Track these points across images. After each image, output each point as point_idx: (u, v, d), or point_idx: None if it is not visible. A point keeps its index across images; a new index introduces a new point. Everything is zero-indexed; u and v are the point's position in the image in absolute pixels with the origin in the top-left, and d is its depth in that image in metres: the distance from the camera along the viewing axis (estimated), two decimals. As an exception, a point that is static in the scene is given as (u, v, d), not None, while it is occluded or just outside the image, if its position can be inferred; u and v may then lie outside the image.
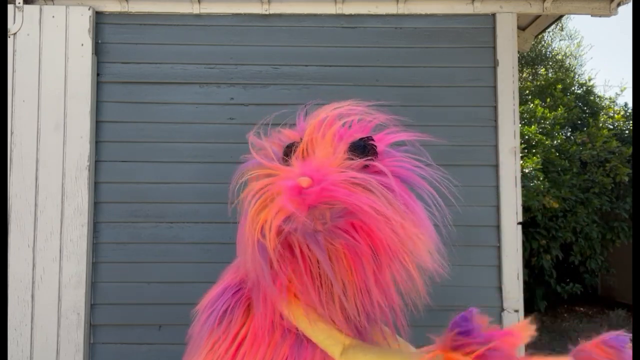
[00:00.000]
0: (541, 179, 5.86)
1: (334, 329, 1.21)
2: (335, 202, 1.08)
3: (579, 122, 7.55)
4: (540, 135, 6.59)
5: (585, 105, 7.89)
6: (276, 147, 1.28)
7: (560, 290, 6.55)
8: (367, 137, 1.27)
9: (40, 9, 2.67)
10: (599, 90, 9.16)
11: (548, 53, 10.42)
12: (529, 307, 6.38)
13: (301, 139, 1.22)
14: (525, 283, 4.45)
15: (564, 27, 10.85)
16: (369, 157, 1.19)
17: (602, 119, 7.42)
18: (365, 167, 1.18)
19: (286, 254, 1.17)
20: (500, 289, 2.64)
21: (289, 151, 1.21)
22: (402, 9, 2.77)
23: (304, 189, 1.06)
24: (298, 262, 1.16)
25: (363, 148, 1.20)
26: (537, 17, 3.11)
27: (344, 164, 1.14)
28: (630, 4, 2.64)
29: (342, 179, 1.09)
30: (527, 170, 5.82)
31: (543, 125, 6.99)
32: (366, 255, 1.17)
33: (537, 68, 9.99)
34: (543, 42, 10.26)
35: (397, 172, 1.24)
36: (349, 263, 1.17)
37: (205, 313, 1.31)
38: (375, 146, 1.24)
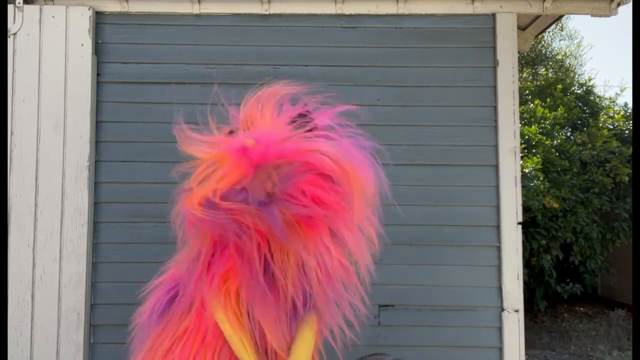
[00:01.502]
0: (541, 179, 5.86)
1: (247, 345, 1.22)
2: (281, 159, 1.09)
3: (579, 122, 7.55)
4: (540, 135, 6.59)
5: (585, 105, 7.88)
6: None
7: (560, 290, 6.55)
8: (307, 111, 1.31)
9: (40, 9, 2.67)
10: (599, 90, 9.14)
11: (548, 53, 10.41)
12: (529, 307, 6.38)
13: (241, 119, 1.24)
14: (525, 283, 4.45)
15: (564, 27, 10.84)
16: (310, 127, 1.23)
17: (602, 119, 7.42)
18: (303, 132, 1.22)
19: (225, 247, 1.17)
20: (500, 289, 2.64)
21: (232, 130, 1.23)
22: (402, 9, 2.77)
23: (249, 148, 1.07)
24: (239, 251, 1.16)
25: (302, 120, 1.24)
26: (537, 17, 3.11)
27: (287, 129, 1.17)
28: (630, 4, 2.64)
29: (285, 137, 1.10)
30: (527, 170, 5.82)
31: (543, 125, 6.99)
32: (320, 225, 1.16)
33: (537, 68, 9.98)
34: (543, 42, 10.25)
35: (337, 143, 1.27)
36: (304, 234, 1.17)
37: (146, 312, 1.33)
38: (313, 118, 1.28)
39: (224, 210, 1.10)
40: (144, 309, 1.38)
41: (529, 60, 9.89)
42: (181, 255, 1.37)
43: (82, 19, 2.68)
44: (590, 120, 7.38)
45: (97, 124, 2.70)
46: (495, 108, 2.73)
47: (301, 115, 1.26)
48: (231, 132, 1.25)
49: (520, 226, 2.67)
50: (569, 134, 7.53)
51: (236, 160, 1.06)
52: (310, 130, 1.23)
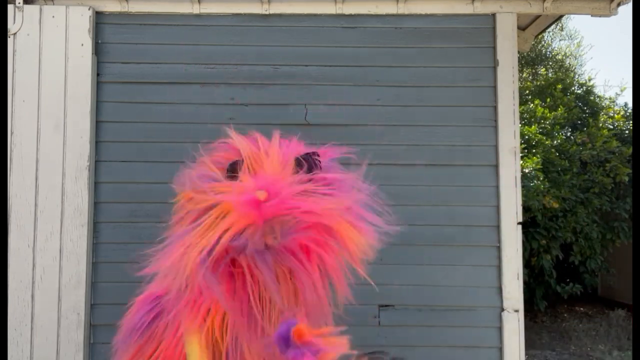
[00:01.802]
0: (541, 179, 5.86)
1: None
2: (290, 215, 1.10)
3: (579, 122, 7.55)
4: (540, 135, 6.59)
5: (585, 105, 7.89)
6: (213, 165, 1.32)
7: (560, 290, 6.55)
8: (312, 152, 1.33)
9: (40, 9, 2.67)
10: (599, 90, 9.14)
11: (548, 53, 10.42)
12: (529, 307, 6.38)
13: (243, 157, 1.25)
14: (525, 283, 4.45)
15: (564, 27, 10.84)
16: (314, 171, 1.26)
17: (602, 119, 7.42)
18: (311, 181, 1.24)
19: (221, 274, 1.19)
20: (500, 289, 2.64)
21: (234, 167, 1.23)
22: (402, 9, 2.77)
23: (262, 202, 1.08)
24: (234, 281, 1.18)
25: (308, 162, 1.27)
26: (537, 17, 3.11)
27: (294, 178, 1.19)
28: (630, 4, 2.64)
29: (296, 192, 1.11)
30: (527, 170, 5.82)
31: (543, 125, 6.99)
32: (313, 279, 1.21)
33: (537, 68, 9.99)
34: (543, 42, 10.25)
35: (339, 183, 1.30)
36: (294, 286, 1.22)
37: (126, 329, 1.35)
38: (319, 160, 1.30)
39: (221, 252, 1.13)
40: (125, 325, 1.41)
41: (529, 60, 9.89)
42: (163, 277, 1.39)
43: (82, 19, 2.68)
44: (590, 120, 7.38)
45: (97, 124, 2.70)
46: (495, 108, 2.73)
47: (306, 157, 1.28)
48: (233, 165, 1.24)
49: (520, 226, 2.67)
50: (569, 134, 7.54)
51: (246, 212, 1.08)
52: (315, 174, 1.26)
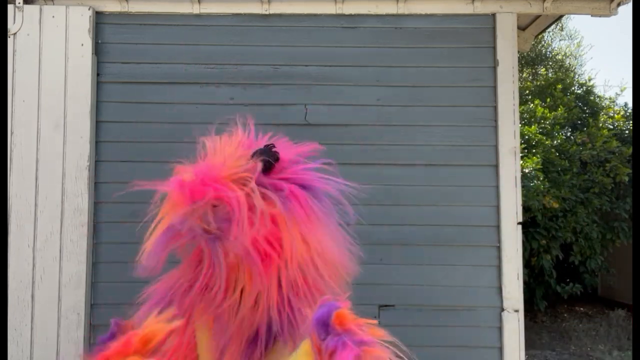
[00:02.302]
0: (541, 179, 5.86)
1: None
2: (218, 201, 1.09)
3: (579, 122, 7.55)
4: (540, 135, 6.60)
5: (585, 105, 7.89)
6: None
7: (560, 290, 6.55)
8: (271, 144, 1.31)
9: (40, 9, 2.67)
10: (599, 90, 9.15)
11: (548, 53, 10.42)
12: (529, 307, 6.38)
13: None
14: (525, 283, 4.45)
15: (564, 27, 10.85)
16: (273, 165, 1.22)
17: (602, 119, 7.42)
18: (268, 173, 1.22)
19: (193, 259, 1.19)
20: (500, 289, 2.64)
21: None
22: (402, 9, 2.77)
23: (185, 182, 1.08)
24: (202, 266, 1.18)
25: (264, 152, 1.24)
26: (537, 17, 3.11)
27: (237, 165, 1.17)
28: (630, 4, 2.64)
29: (223, 176, 1.10)
30: (527, 170, 5.82)
31: (543, 125, 7.00)
32: (261, 271, 1.18)
33: (537, 68, 9.99)
34: (543, 42, 10.26)
35: (300, 179, 1.26)
36: (247, 272, 1.19)
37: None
38: (277, 152, 1.27)
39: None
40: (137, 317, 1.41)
41: (529, 60, 9.90)
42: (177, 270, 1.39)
43: (82, 19, 2.68)
44: (590, 120, 7.39)
45: (97, 124, 2.70)
46: (495, 108, 2.73)
47: (262, 151, 1.25)
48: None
49: (520, 226, 2.66)
50: (569, 134, 7.54)
51: (174, 196, 1.08)
52: (272, 165, 1.23)
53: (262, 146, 1.28)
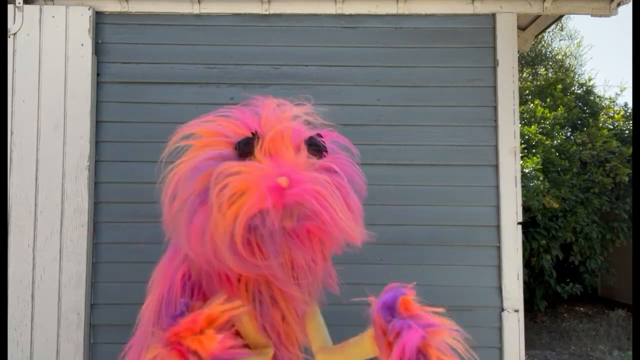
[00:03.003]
0: (541, 179, 5.86)
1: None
2: (305, 204, 1.12)
3: (579, 122, 7.55)
4: (540, 135, 6.59)
5: (585, 105, 7.89)
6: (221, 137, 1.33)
7: (560, 290, 6.55)
8: (317, 134, 1.34)
9: (40, 9, 2.67)
10: (599, 90, 9.14)
11: (548, 53, 10.42)
12: (529, 307, 6.38)
13: (253, 134, 1.25)
14: (525, 283, 4.45)
15: (564, 27, 10.85)
16: (323, 155, 1.29)
17: (602, 119, 7.42)
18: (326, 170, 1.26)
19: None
20: (500, 289, 2.64)
21: (248, 146, 1.23)
22: (402, 9, 2.77)
23: (284, 189, 1.09)
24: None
25: (317, 146, 1.29)
26: (537, 17, 3.11)
27: (309, 165, 1.21)
28: (630, 4, 2.64)
29: (314, 185, 1.14)
30: (527, 170, 5.82)
31: (543, 125, 7.00)
32: (314, 264, 1.26)
33: (537, 68, 9.99)
34: (543, 42, 10.26)
35: (342, 169, 1.31)
36: (294, 271, 1.26)
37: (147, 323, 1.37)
38: (325, 143, 1.33)
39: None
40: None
41: (529, 60, 9.90)
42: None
43: (82, 19, 2.68)
44: (590, 120, 7.38)
45: (97, 124, 2.70)
46: (495, 108, 2.73)
47: (315, 141, 1.30)
48: (247, 143, 1.24)
49: (520, 226, 2.67)
50: (569, 134, 7.54)
51: (268, 196, 1.10)
52: (324, 156, 1.29)
53: (309, 136, 1.31)
